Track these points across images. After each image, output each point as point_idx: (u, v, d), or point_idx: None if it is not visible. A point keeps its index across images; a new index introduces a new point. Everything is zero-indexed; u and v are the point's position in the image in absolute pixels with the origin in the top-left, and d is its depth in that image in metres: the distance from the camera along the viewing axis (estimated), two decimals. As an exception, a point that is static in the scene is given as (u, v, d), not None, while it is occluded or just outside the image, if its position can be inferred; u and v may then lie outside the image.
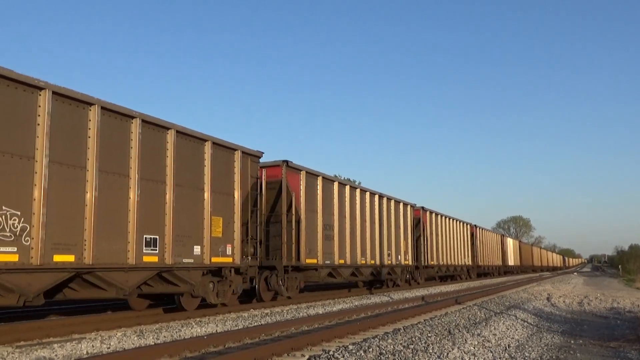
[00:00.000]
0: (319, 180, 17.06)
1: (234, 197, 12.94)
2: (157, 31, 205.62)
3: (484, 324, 10.59)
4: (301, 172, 16.07)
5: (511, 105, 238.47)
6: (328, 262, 17.12)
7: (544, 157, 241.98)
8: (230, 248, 12.68)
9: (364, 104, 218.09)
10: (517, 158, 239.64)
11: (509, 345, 8.15)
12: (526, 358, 7.27)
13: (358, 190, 20.06)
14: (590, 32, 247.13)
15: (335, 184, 18.26)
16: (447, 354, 7.09)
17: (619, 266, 76.22)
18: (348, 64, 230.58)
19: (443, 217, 31.52)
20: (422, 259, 27.43)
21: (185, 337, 8.72)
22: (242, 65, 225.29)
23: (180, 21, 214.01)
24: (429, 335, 8.69)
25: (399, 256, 23.91)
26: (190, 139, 11.69)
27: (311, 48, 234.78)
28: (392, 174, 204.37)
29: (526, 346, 8.23)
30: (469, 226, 38.16)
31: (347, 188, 19.28)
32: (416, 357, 6.85)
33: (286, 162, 15.41)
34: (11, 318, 11.14)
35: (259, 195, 14.16)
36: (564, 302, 17.62)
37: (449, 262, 32.18)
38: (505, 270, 51.34)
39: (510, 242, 55.46)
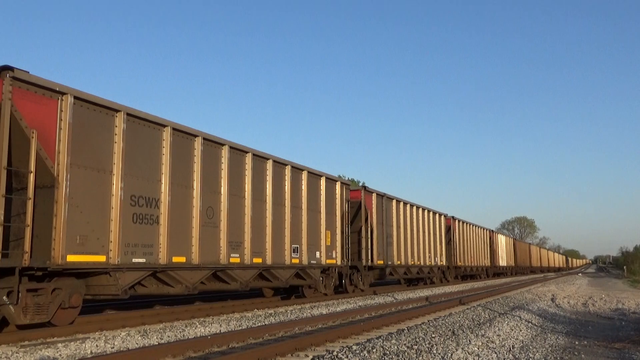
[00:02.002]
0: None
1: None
2: (166, 32, 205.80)
3: (488, 324, 10.56)
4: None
5: (515, 106, 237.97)
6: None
7: (548, 158, 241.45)
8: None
9: (365, 104, 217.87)
10: (522, 159, 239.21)
11: (513, 346, 8.13)
12: (530, 359, 7.24)
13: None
14: (590, 32, 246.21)
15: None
16: (451, 354, 7.07)
17: (624, 267, 75.77)
18: (347, 63, 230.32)
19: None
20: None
21: (189, 337, 8.72)
22: (244, 66, 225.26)
23: (183, 21, 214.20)
24: (433, 335, 8.66)
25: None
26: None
27: (311, 48, 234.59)
28: (393, 174, 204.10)
29: (530, 347, 8.20)
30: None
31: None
32: (420, 358, 6.84)
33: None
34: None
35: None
36: (568, 302, 17.56)
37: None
38: (495, 272, 45.41)
39: (501, 240, 49.26)
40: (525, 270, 61.17)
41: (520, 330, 10.00)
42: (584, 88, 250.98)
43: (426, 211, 27.65)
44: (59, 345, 7.97)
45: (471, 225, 37.44)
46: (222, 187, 12.67)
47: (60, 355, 7.35)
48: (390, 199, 22.95)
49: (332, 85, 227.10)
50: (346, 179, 39.39)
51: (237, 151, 13.41)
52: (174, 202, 11.17)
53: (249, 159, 13.73)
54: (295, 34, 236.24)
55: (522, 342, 8.65)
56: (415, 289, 24.86)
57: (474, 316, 12.01)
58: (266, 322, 10.84)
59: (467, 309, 13.93)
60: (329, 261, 17.10)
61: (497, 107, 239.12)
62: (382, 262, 21.06)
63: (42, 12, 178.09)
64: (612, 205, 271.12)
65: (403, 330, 9.30)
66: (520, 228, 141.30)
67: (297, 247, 15.45)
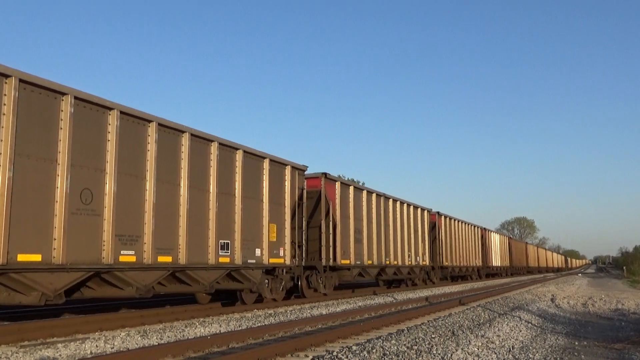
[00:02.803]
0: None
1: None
2: (165, 32, 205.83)
3: (488, 325, 10.56)
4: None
5: (515, 106, 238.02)
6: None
7: (548, 158, 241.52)
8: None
9: (367, 104, 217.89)
10: (522, 159, 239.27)
11: (512, 347, 8.13)
12: (530, 359, 7.24)
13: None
14: (590, 32, 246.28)
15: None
16: (451, 355, 7.07)
17: (624, 267, 75.82)
18: (346, 63, 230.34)
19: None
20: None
21: (189, 337, 8.72)
22: (244, 66, 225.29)
23: (183, 21, 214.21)
24: (433, 336, 8.66)
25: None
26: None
27: (311, 48, 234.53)
28: (394, 174, 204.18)
29: (530, 347, 8.20)
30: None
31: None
32: (420, 358, 6.84)
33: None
34: (15, 317, 11.16)
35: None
36: (568, 303, 17.56)
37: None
38: (488, 272, 42.23)
39: (495, 238, 45.42)
40: (521, 271, 58.01)
41: (520, 331, 10.00)
42: (583, 88, 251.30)
43: (405, 205, 24.45)
44: (59, 345, 7.97)
45: (460, 222, 34.23)
46: (108, 164, 9.65)
47: (60, 355, 7.35)
48: (360, 189, 20.21)
49: (331, 85, 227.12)
50: (346, 178, 36.99)
51: (135, 119, 10.34)
52: (22, 181, 8.21)
53: (153, 129, 10.61)
54: (295, 34, 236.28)
55: (522, 343, 8.65)
56: (395, 291, 22.53)
57: (474, 316, 12.01)
58: (266, 322, 10.84)
59: (467, 309, 13.94)
60: (274, 260, 14.15)
61: (497, 107, 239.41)
62: (348, 261, 18.22)
63: (42, 12, 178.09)
64: (612, 205, 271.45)
65: (403, 330, 9.30)
66: (520, 228, 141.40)
67: (228, 243, 12.45)
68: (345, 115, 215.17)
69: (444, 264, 29.94)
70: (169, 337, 8.90)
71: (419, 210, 26.42)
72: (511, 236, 59.84)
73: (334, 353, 6.88)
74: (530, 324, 11.20)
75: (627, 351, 8.16)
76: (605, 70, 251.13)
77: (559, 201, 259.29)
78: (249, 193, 13.34)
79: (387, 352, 7.05)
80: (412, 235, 25.01)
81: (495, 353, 7.45)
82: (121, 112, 9.99)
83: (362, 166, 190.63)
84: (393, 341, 7.91)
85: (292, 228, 15.20)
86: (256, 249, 13.55)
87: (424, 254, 26.51)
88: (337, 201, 17.82)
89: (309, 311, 13.34)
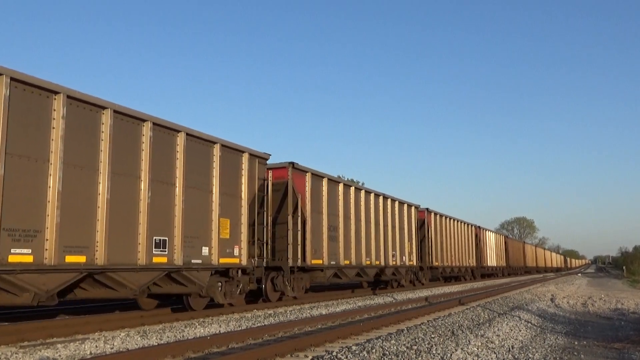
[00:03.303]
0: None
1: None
2: (162, 31, 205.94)
3: (488, 324, 10.56)
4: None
5: (515, 106, 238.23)
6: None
7: (548, 158, 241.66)
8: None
9: (367, 104, 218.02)
10: (521, 159, 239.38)
11: (512, 346, 8.13)
12: (530, 359, 7.25)
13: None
14: (590, 32, 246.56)
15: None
16: (451, 355, 7.07)
17: (623, 267, 75.87)
18: (346, 63, 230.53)
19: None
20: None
21: (189, 338, 8.72)
22: (244, 66, 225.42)
23: (182, 20, 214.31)
24: (433, 336, 8.67)
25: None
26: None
27: (310, 48, 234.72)
28: (395, 174, 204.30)
29: (530, 347, 8.20)
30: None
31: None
32: (419, 358, 6.84)
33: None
34: (15, 318, 11.16)
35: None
36: (567, 303, 17.57)
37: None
38: (482, 272, 40.12)
39: (490, 237, 42.85)
40: (519, 271, 55.75)
41: (520, 331, 10.00)
42: (583, 88, 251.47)
43: (389, 200, 22.42)
44: (59, 345, 7.97)
45: (452, 220, 32.18)
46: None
47: (59, 355, 7.35)
48: (336, 182, 18.20)
49: (330, 85, 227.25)
50: (345, 179, 35.38)
51: (37, 90, 8.51)
52: None
53: (59, 103, 8.77)
54: (295, 34, 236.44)
55: (522, 342, 8.66)
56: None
57: (474, 316, 12.02)
58: (265, 323, 10.84)
59: (467, 309, 13.94)
60: (226, 260, 12.42)
61: (496, 107, 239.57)
62: (320, 261, 16.49)
63: (42, 12, 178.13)
64: (611, 205, 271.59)
65: (402, 330, 9.30)
66: (519, 228, 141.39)
67: (165, 241, 10.71)
68: (345, 115, 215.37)
69: (434, 264, 28.13)
70: (168, 337, 8.90)
71: (405, 206, 24.49)
72: (509, 235, 56.27)
73: (334, 353, 6.89)
74: (529, 324, 11.20)
75: (627, 350, 8.16)
76: (605, 70, 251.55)
77: (559, 201, 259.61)
78: (194, 183, 11.52)
79: (387, 352, 7.05)
80: (397, 234, 23.10)
81: (494, 353, 7.45)
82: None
83: (362, 166, 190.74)
84: (393, 341, 7.91)
85: (251, 224, 13.54)
86: (203, 248, 11.68)
87: (410, 253, 24.63)
88: (308, 194, 16.04)
89: (308, 311, 13.34)
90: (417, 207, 26.14)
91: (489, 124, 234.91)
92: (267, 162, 14.45)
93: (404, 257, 23.77)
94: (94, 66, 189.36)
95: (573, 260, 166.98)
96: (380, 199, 21.69)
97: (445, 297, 19.31)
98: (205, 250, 11.80)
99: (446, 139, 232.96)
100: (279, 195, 15.54)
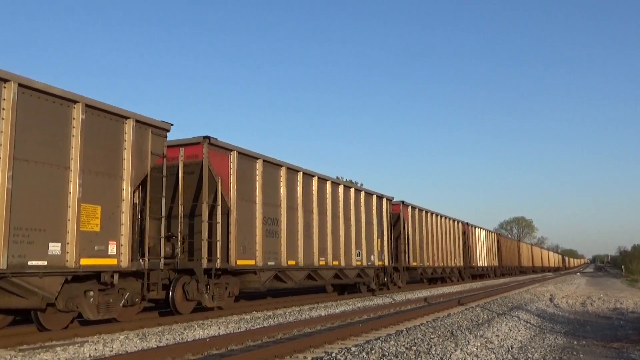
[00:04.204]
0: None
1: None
2: (157, 30, 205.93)
3: (487, 325, 10.57)
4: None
5: (514, 106, 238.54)
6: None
7: (546, 157, 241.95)
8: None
9: (366, 104, 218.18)
10: (520, 159, 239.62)
11: (511, 347, 8.14)
12: (529, 359, 7.25)
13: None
14: (590, 32, 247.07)
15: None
16: (450, 355, 7.08)
17: (622, 266, 76.07)
18: (344, 64, 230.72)
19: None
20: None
21: (188, 340, 8.72)
22: (242, 66, 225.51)
23: (179, 20, 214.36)
24: (432, 336, 8.67)
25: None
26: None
27: (310, 48, 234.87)
28: (394, 175, 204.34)
29: (529, 347, 8.21)
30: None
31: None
32: (419, 359, 6.84)
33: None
34: (13, 321, 11.13)
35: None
36: (566, 302, 17.58)
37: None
38: (471, 273, 36.78)
39: (480, 234, 39.26)
40: (513, 271, 52.40)
41: (519, 331, 10.01)
42: (582, 88, 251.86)
43: (352, 190, 19.32)
44: (58, 349, 7.96)
45: (434, 215, 28.96)
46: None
47: (58, 358, 7.35)
48: (277, 165, 15.03)
49: (330, 86, 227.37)
50: (344, 179, 35.52)
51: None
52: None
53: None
54: (294, 34, 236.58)
55: (521, 343, 8.66)
56: (394, 293, 21.10)
57: (473, 317, 12.02)
58: (265, 324, 10.84)
59: (466, 309, 13.95)
60: (91, 262, 9.01)
61: (495, 107, 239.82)
62: (250, 262, 13.26)
63: (41, 12, 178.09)
64: (610, 205, 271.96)
65: (402, 331, 9.30)
66: (518, 228, 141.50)
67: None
68: (345, 115, 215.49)
69: (412, 264, 24.81)
70: (167, 339, 8.90)
71: (374, 198, 21.11)
72: (508, 235, 54.14)
73: (333, 354, 6.89)
74: (529, 324, 11.21)
75: (626, 350, 8.17)
76: (604, 70, 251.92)
77: (558, 201, 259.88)
78: (36, 154, 8.53)
79: (386, 353, 7.05)
80: (364, 230, 19.85)
81: (494, 353, 7.46)
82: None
83: (360, 167, 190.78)
84: (392, 342, 7.91)
85: (139, 212, 10.67)
86: (51, 244, 8.67)
87: (381, 252, 21.22)
88: (232, 178, 13.04)
89: (307, 313, 13.35)
90: (389, 200, 22.75)
91: (488, 123, 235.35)
92: (181, 137, 12.71)
93: (372, 257, 20.45)
94: (93, 67, 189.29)
95: (571, 259, 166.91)
96: (340, 188, 18.50)
97: (444, 297, 19.31)
98: (54, 248, 8.73)
99: (445, 139, 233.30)
100: (194, 179, 12.61)
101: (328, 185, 17.70)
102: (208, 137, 12.47)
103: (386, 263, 21.69)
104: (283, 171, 15.26)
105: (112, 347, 8.19)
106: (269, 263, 14.15)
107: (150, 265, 10.73)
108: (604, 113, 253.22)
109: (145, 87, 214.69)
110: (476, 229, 38.61)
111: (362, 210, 20.08)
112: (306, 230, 16.10)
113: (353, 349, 7.25)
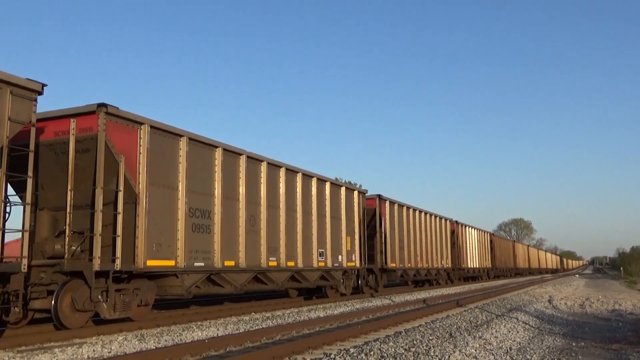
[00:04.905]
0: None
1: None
2: (163, 34, 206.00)
3: (486, 326, 10.58)
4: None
5: (512, 107, 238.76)
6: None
7: (545, 159, 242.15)
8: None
9: (365, 104, 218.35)
10: (518, 160, 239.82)
11: (510, 348, 8.14)
12: (528, 360, 7.25)
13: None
14: (589, 32, 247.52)
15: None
16: (449, 356, 7.08)
17: (621, 268, 76.18)
18: (344, 64, 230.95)
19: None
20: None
21: (187, 341, 8.71)
22: (242, 67, 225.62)
23: (179, 22, 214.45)
24: (431, 338, 8.68)
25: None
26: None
27: (310, 48, 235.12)
28: (393, 175, 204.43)
29: (528, 349, 8.21)
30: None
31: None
32: (417, 360, 6.84)
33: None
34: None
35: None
36: (565, 304, 17.59)
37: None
38: (461, 275, 34.30)
39: (470, 234, 36.59)
40: (508, 273, 50.01)
41: (518, 332, 10.01)
42: (580, 88, 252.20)
43: (314, 180, 16.84)
44: (56, 350, 7.95)
45: (417, 212, 26.45)
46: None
47: (57, 360, 7.34)
48: (210, 146, 12.53)
49: (329, 86, 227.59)
50: (343, 181, 33.24)
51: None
52: None
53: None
54: (293, 35, 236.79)
55: (520, 344, 8.67)
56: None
57: (471, 318, 12.03)
58: (263, 326, 10.83)
59: (465, 310, 13.95)
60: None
61: (493, 108, 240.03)
62: (168, 262, 10.02)
63: (42, 13, 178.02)
64: (609, 206, 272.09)
65: (400, 332, 9.30)
66: (517, 230, 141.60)
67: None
68: (343, 117, 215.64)
69: (390, 265, 22.12)
70: (166, 340, 8.89)
71: (343, 190, 18.73)
72: (495, 233, 49.58)
73: (332, 356, 6.89)
74: (527, 325, 11.21)
75: (625, 351, 8.17)
76: (604, 71, 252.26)
77: (557, 202, 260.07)
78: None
79: (385, 355, 7.05)
80: (329, 226, 17.48)
81: (492, 354, 7.46)
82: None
83: (361, 167, 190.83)
84: (391, 343, 7.91)
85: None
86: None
87: (351, 252, 18.88)
88: (142, 158, 10.71)
89: (306, 314, 13.34)
90: (362, 193, 20.36)
91: (486, 125, 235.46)
92: (70, 106, 10.36)
93: (339, 257, 18.18)
94: (94, 68, 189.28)
95: (570, 261, 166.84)
96: (298, 177, 16.06)
97: (443, 299, 19.31)
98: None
99: (443, 140, 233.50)
100: (90, 159, 10.17)
101: (282, 172, 15.24)
102: (105, 105, 10.03)
103: (357, 264, 19.36)
104: (218, 153, 12.74)
105: (111, 348, 8.18)
106: (197, 264, 11.74)
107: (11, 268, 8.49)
108: (603, 114, 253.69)
109: (142, 87, 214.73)
110: (467, 228, 36.06)
111: (327, 204, 17.52)
112: (250, 225, 13.68)
113: (352, 350, 7.25)
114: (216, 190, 12.61)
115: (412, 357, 6.99)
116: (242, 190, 13.52)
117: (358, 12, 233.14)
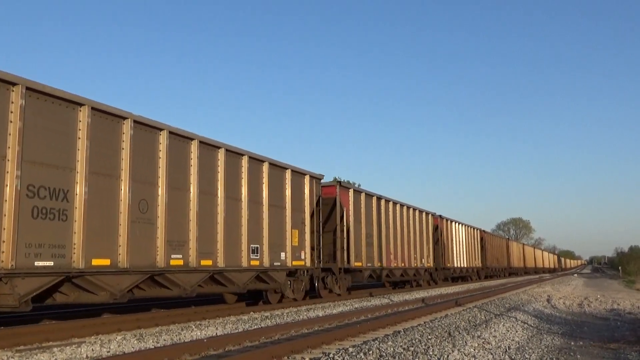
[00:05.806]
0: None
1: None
2: (163, 34, 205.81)
3: (484, 325, 10.58)
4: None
5: (512, 107, 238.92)
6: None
7: (544, 159, 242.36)
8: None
9: (365, 104, 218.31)
10: (517, 160, 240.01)
11: (509, 347, 8.15)
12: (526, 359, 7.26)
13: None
14: (589, 32, 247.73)
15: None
16: (447, 356, 7.09)
17: (619, 267, 76.23)
18: (343, 64, 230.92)
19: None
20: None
21: (185, 340, 8.71)
22: (242, 68, 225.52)
23: (179, 22, 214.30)
24: (429, 337, 8.68)
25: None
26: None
27: (308, 49, 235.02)
28: (391, 175, 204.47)
29: (526, 348, 8.22)
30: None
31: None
32: (416, 359, 6.85)
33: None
34: (10, 322, 11.12)
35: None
36: (564, 303, 17.61)
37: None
38: (446, 275, 31.39)
39: (458, 230, 33.57)
40: (501, 273, 47.22)
41: (516, 331, 10.02)
42: (580, 89, 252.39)
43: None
44: (55, 349, 7.95)
45: (390, 204, 22.78)
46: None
47: (55, 359, 7.33)
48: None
49: (329, 87, 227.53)
50: (343, 180, 32.97)
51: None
52: None
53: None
54: (293, 35, 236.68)
55: (518, 343, 8.67)
56: (392, 293, 22.65)
57: (470, 317, 12.04)
58: (262, 325, 10.83)
59: (463, 310, 13.96)
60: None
61: (493, 108, 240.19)
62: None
63: (42, 13, 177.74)
64: (608, 206, 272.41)
65: (399, 331, 9.31)
66: (515, 229, 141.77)
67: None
68: (342, 117, 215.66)
69: (354, 265, 18.84)
70: (165, 340, 8.89)
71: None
72: (486, 230, 44.56)
73: (331, 355, 6.89)
74: (526, 325, 11.22)
75: (623, 351, 8.19)
76: (603, 71, 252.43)
77: (555, 202, 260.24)
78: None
79: (384, 354, 7.06)
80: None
81: (491, 354, 7.47)
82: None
83: (360, 168, 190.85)
84: (389, 342, 7.92)
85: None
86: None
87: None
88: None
89: (305, 313, 13.35)
90: (317, 179, 17.10)
91: (485, 124, 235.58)
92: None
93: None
94: (91, 68, 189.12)
95: (568, 260, 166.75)
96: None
97: (442, 298, 19.32)
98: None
99: (442, 140, 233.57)
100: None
101: (194, 146, 11.87)
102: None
103: (308, 263, 16.15)
104: (83, 114, 9.39)
105: (110, 347, 8.18)
106: (41, 263, 8.55)
107: None
108: (602, 114, 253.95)
109: (142, 87, 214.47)
110: (453, 223, 32.74)
111: (265, 189, 14.29)
112: (139, 212, 10.40)
113: (351, 349, 7.25)
114: (79, 163, 9.27)
115: (411, 356, 7.00)
116: (125, 166, 10.15)
117: (358, 12, 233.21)
